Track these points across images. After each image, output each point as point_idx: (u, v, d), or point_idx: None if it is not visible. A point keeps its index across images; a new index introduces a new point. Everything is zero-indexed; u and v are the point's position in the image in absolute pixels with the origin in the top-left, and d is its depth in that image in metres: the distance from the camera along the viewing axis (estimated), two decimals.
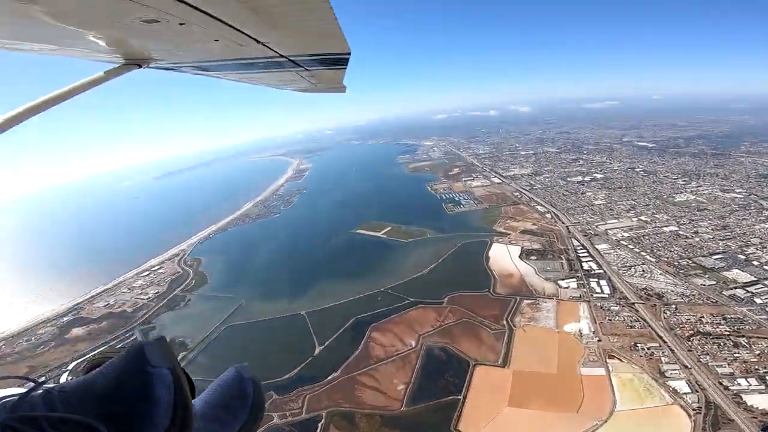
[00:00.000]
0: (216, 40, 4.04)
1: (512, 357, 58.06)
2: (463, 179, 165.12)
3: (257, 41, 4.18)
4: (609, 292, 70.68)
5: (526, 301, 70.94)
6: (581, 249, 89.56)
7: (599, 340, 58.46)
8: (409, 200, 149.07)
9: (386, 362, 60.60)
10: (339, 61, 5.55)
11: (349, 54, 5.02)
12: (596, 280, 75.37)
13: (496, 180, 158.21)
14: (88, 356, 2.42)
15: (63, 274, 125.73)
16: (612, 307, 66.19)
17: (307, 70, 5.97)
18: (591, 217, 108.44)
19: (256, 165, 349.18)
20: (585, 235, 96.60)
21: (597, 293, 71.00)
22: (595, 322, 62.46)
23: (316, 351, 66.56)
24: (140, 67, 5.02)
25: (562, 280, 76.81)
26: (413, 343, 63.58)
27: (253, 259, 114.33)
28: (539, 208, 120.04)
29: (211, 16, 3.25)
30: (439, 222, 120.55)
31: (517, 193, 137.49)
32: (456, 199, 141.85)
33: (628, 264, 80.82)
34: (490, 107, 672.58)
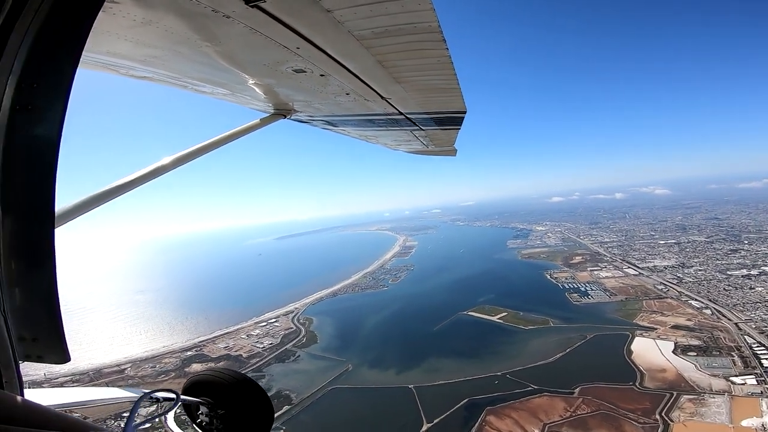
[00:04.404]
0: (347, 94, 4.46)
1: None
2: (589, 269, 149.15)
3: (381, 96, 4.53)
4: None
5: (686, 397, 59.20)
6: (759, 347, 76.27)
7: None
8: (526, 287, 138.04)
9: None
10: (454, 121, 5.75)
11: (465, 113, 5.12)
12: None
13: (631, 271, 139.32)
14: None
15: (194, 313, 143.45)
16: None
17: (422, 129, 6.33)
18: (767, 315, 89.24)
19: (363, 237, 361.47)
20: (761, 333, 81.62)
21: None
22: None
23: (423, 428, 62.34)
24: (285, 117, 5.63)
25: (736, 376, 65.49)
26: None
27: (362, 327, 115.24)
28: (694, 303, 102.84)
29: (347, 68, 3.62)
30: (563, 312, 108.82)
31: (662, 286, 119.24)
32: (582, 289, 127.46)
33: None
34: (615, 189, 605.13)
